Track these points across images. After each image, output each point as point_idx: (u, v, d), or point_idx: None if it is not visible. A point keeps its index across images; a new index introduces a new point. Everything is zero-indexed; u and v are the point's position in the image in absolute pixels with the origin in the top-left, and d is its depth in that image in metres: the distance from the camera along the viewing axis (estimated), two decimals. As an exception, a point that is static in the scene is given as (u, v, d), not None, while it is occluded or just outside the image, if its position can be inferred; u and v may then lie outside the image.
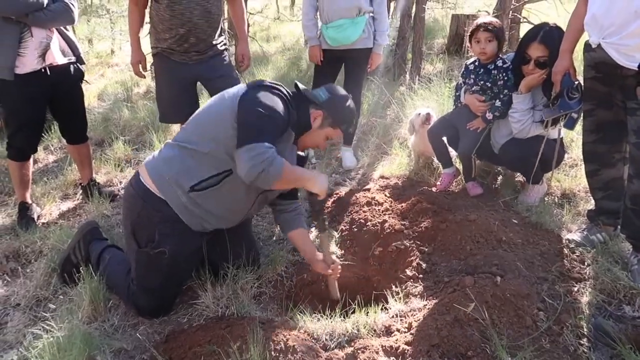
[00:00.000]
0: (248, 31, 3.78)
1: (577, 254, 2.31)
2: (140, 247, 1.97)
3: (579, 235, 2.44)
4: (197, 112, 2.07)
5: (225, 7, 3.28)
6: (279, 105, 1.89)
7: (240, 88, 1.95)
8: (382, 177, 3.24)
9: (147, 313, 2.02)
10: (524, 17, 4.87)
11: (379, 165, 3.45)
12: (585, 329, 1.85)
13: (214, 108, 1.96)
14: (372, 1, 3.25)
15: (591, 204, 2.59)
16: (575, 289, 2.08)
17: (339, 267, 2.16)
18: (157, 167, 1.98)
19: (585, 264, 2.25)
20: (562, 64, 2.36)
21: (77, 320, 1.94)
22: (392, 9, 6.69)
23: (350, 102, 2.13)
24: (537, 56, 2.56)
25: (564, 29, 2.41)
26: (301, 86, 2.13)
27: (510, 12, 4.43)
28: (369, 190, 2.97)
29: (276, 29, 9.42)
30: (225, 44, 3.02)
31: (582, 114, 2.44)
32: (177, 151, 1.96)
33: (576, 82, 2.44)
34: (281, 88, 1.98)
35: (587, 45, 2.23)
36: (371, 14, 3.27)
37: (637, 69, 2.00)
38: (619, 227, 2.40)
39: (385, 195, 2.84)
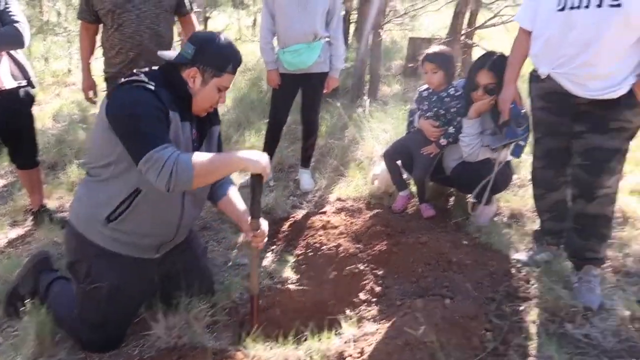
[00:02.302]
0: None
1: (523, 274, 2.41)
2: (79, 283, 1.92)
3: (525, 255, 2.54)
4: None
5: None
6: (142, 96, 1.71)
7: (103, 101, 1.81)
8: (339, 199, 3.28)
9: (94, 348, 1.96)
10: (475, 43, 5.08)
11: (336, 188, 3.50)
12: (529, 349, 1.93)
13: (95, 131, 1.88)
14: (328, 26, 3.33)
15: (537, 224, 2.70)
16: (521, 308, 2.16)
17: (265, 235, 2.01)
18: (74, 208, 1.96)
19: (530, 283, 2.34)
20: (509, 94, 2.46)
21: (21, 357, 1.87)
22: (351, 32, 6.86)
23: (221, 39, 1.87)
24: (485, 83, 2.68)
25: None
26: (166, 55, 1.94)
27: (462, 37, 4.61)
28: (325, 213, 3.01)
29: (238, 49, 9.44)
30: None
31: (527, 142, 2.55)
32: (84, 187, 1.93)
33: (523, 111, 2.56)
34: (138, 76, 1.80)
35: (535, 77, 2.32)
36: (327, 39, 3.34)
37: (589, 97, 2.11)
38: (561, 246, 2.52)
39: (341, 218, 2.89)
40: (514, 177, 3.24)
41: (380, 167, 3.34)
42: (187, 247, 2.19)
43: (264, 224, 2.01)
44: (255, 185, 1.86)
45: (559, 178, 2.44)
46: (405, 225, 2.77)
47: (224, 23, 10.13)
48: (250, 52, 8.98)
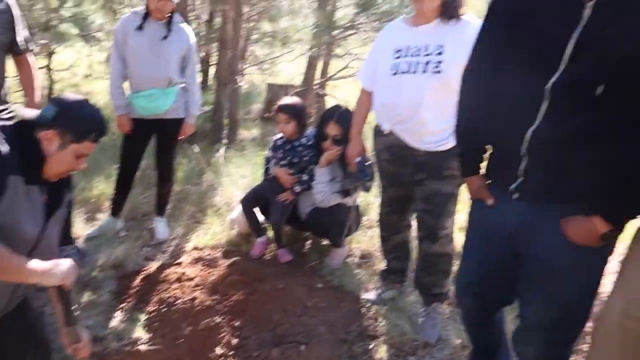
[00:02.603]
0: (52, 91, 3.50)
1: (372, 312, 2.57)
2: None
3: (374, 294, 2.73)
4: None
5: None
6: None
7: None
8: (195, 248, 3.21)
9: None
10: (328, 92, 5.46)
11: (193, 236, 3.42)
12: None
13: None
14: (183, 72, 3.31)
15: (384, 264, 2.92)
16: (371, 346, 2.30)
17: (87, 345, 1.81)
18: None
19: (379, 321, 2.51)
20: (355, 148, 2.65)
21: None
22: (210, 74, 6.88)
23: (86, 105, 1.76)
24: (333, 134, 2.89)
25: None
26: (25, 113, 1.76)
27: (316, 87, 4.91)
28: (180, 264, 2.91)
29: (88, 86, 8.85)
30: (11, 111, 2.74)
31: (373, 181, 2.77)
32: None
33: (368, 162, 2.77)
34: None
35: (378, 131, 2.51)
36: (183, 85, 3.32)
37: (426, 150, 2.33)
38: (405, 284, 2.76)
39: (198, 269, 2.82)
40: (364, 218, 3.48)
41: (237, 212, 3.35)
42: (19, 314, 1.94)
43: (84, 334, 1.81)
44: (61, 294, 1.72)
45: (402, 222, 2.69)
46: (263, 272, 2.79)
47: (71, 58, 9.44)
48: (102, 90, 8.47)
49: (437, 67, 2.22)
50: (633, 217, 1.38)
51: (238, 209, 3.32)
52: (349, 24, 4.06)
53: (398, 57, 2.33)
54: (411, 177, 2.44)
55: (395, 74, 2.33)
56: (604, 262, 1.50)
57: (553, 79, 1.34)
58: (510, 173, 1.51)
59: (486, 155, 1.73)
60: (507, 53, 1.47)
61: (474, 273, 1.77)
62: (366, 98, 2.56)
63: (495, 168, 1.63)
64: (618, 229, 1.39)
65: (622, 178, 1.29)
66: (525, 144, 1.43)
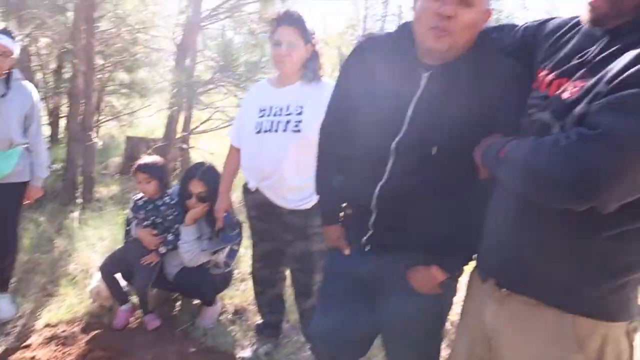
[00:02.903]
0: None
1: (248, 371, 2.53)
2: None
3: (249, 351, 2.68)
4: None
5: None
6: None
7: None
8: (48, 325, 2.87)
9: None
10: (191, 145, 5.39)
11: (44, 311, 3.06)
12: None
13: None
14: (26, 133, 3.04)
15: (259, 318, 2.90)
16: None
17: None
18: None
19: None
20: (222, 204, 2.65)
21: None
22: (61, 128, 6.38)
23: None
24: (197, 192, 2.85)
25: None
26: None
27: (178, 141, 4.82)
28: (29, 346, 2.59)
29: None
30: None
31: (240, 246, 2.77)
32: None
33: (235, 218, 2.78)
34: None
35: (246, 189, 2.55)
36: (26, 145, 3.04)
37: (291, 208, 2.39)
38: (280, 336, 2.77)
39: (51, 350, 2.53)
40: (235, 271, 3.44)
41: (96, 280, 3.09)
42: None
43: None
44: None
45: (275, 276, 2.72)
46: (129, 344, 2.60)
47: None
48: None
49: (296, 126, 2.33)
50: (466, 263, 1.57)
51: (97, 277, 3.07)
52: (209, 80, 4.10)
53: (262, 116, 2.42)
54: (280, 234, 2.51)
55: (258, 132, 2.40)
56: (449, 307, 1.68)
57: (397, 139, 1.50)
58: (362, 225, 1.63)
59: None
60: (357, 114, 1.61)
61: (328, 322, 1.78)
62: (234, 155, 2.60)
63: (350, 220, 1.75)
64: (455, 275, 1.58)
65: (454, 230, 1.48)
66: (374, 199, 1.57)
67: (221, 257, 2.96)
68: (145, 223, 2.95)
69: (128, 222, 3.11)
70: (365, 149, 1.60)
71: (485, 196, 1.41)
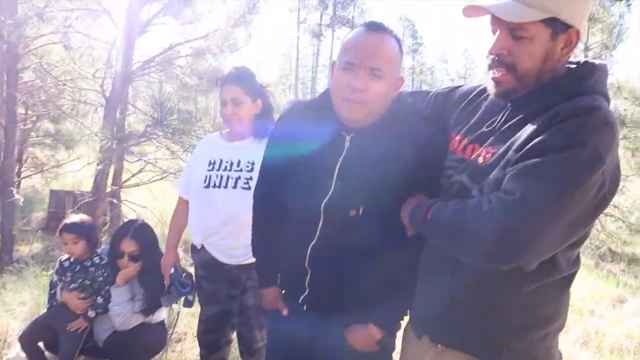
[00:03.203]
0: None
1: None
2: None
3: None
4: None
5: None
6: None
7: None
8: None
9: None
10: (122, 199, 5.21)
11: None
12: None
13: None
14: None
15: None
16: None
17: None
18: None
19: None
20: (169, 259, 2.59)
21: None
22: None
23: None
24: (129, 251, 2.75)
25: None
26: None
27: (108, 196, 4.66)
28: None
29: None
30: None
31: (195, 295, 2.67)
32: None
33: (184, 274, 2.69)
34: None
35: (194, 247, 2.50)
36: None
37: (237, 264, 2.35)
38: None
39: None
40: (176, 331, 3.31)
41: (16, 351, 2.86)
42: None
43: None
44: None
45: (221, 339, 2.62)
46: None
47: None
48: None
49: (247, 183, 2.32)
50: (401, 319, 1.62)
51: (17, 347, 2.84)
52: (142, 132, 4.04)
53: (211, 169, 2.40)
54: (227, 292, 2.45)
55: (207, 187, 2.38)
56: None
57: (325, 201, 1.56)
58: (299, 285, 1.66)
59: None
60: (288, 177, 1.66)
61: None
62: (183, 207, 2.56)
63: (287, 280, 1.77)
64: (392, 332, 1.63)
65: (387, 287, 1.53)
66: (307, 259, 1.61)
67: (157, 315, 2.84)
68: (72, 286, 2.79)
69: (53, 285, 2.93)
70: (297, 211, 1.64)
71: (415, 253, 1.49)
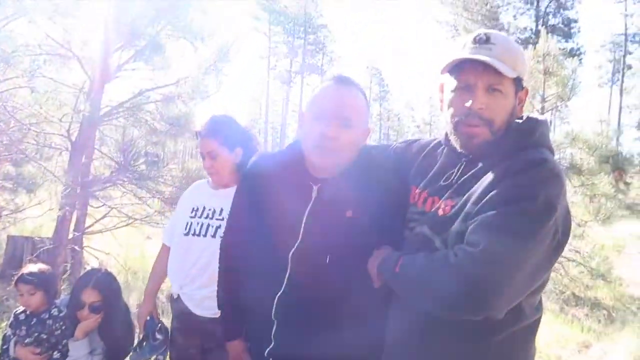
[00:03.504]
0: None
1: None
2: None
3: None
4: None
5: None
6: None
7: None
8: None
9: None
10: (86, 245, 5.05)
11: None
12: None
13: None
14: None
15: None
16: None
17: None
18: None
19: None
20: (146, 308, 2.53)
21: None
22: None
23: None
24: (91, 302, 2.64)
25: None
26: None
27: (69, 242, 4.51)
28: None
29: None
30: None
31: (167, 354, 2.56)
32: None
33: (159, 324, 2.59)
34: None
35: (172, 296, 2.43)
36: None
37: (210, 317, 2.24)
38: None
39: None
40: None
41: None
42: None
43: None
44: None
45: None
46: None
47: None
48: None
49: None
50: None
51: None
52: (107, 178, 3.97)
53: (193, 216, 2.37)
54: (200, 348, 2.35)
55: (187, 234, 2.35)
56: None
57: (293, 250, 1.57)
58: (265, 338, 1.63)
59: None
60: (256, 228, 1.67)
61: None
62: (165, 254, 2.51)
63: (253, 333, 1.74)
64: None
65: (355, 338, 1.51)
66: (274, 310, 1.59)
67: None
68: (26, 340, 2.64)
69: (6, 340, 2.76)
70: (264, 261, 1.64)
71: (382, 302, 1.50)
